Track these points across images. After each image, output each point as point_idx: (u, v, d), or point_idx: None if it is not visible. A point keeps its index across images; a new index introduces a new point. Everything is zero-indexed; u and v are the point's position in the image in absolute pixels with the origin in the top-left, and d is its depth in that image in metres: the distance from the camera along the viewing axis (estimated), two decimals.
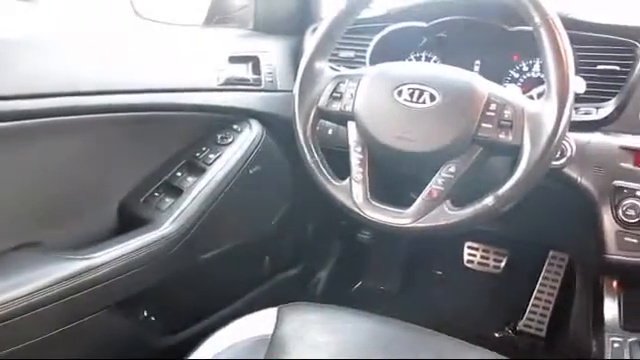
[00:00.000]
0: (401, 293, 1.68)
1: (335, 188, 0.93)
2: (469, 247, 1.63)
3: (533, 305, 1.52)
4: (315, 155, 0.95)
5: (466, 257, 1.63)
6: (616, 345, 0.91)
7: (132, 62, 1.08)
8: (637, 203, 0.93)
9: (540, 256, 1.54)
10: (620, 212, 0.94)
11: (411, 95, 0.87)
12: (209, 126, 1.18)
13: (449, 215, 0.84)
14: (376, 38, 1.18)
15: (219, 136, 1.17)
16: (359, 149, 0.91)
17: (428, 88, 0.86)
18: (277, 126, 1.21)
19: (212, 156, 1.14)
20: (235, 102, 1.20)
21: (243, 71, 1.22)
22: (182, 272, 1.09)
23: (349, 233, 1.65)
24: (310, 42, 0.99)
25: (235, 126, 1.19)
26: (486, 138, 0.83)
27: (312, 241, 1.56)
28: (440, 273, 1.70)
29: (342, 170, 0.94)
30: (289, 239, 1.46)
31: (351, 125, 0.93)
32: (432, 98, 0.86)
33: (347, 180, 0.92)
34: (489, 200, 0.82)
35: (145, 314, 1.10)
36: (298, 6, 1.32)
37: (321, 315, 0.94)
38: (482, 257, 1.61)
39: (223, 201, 1.12)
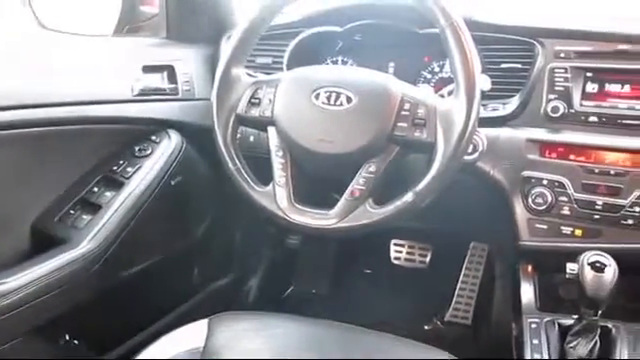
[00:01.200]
0: (332, 294, 1.70)
1: (259, 194, 0.93)
2: (395, 244, 1.68)
3: (458, 296, 1.59)
4: (237, 162, 0.95)
5: (393, 254, 1.68)
6: (533, 326, 0.96)
7: (40, 75, 1.03)
8: (544, 191, 0.99)
9: (462, 248, 1.61)
10: (530, 201, 1.00)
11: (328, 98, 0.89)
12: (126, 138, 1.15)
13: (371, 213, 0.86)
14: (292, 43, 1.19)
15: (137, 148, 1.14)
16: (280, 153, 0.92)
17: (344, 91, 0.88)
18: (197, 135, 1.19)
19: (130, 169, 1.11)
20: (152, 113, 1.17)
21: (158, 81, 1.20)
22: (105, 291, 1.05)
23: (278, 239, 1.66)
24: (225, 49, 0.98)
25: (153, 137, 1.17)
26: (402, 137, 0.86)
27: (241, 249, 1.55)
28: (369, 271, 1.73)
29: (266, 176, 0.94)
30: (217, 249, 1.44)
31: (271, 130, 0.94)
32: (349, 100, 0.88)
33: (270, 185, 0.93)
34: (408, 197, 0.84)
35: (67, 338, 1.05)
36: (212, 14, 1.31)
37: (252, 323, 0.93)
38: (408, 253, 1.67)
39: (144, 215, 1.09)
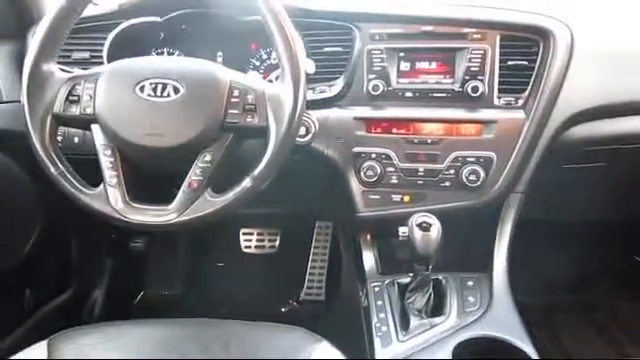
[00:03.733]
0: (186, 293, 1.66)
1: (89, 197, 0.87)
2: (244, 233, 1.69)
3: (310, 274, 1.65)
4: (60, 166, 0.87)
5: (243, 243, 1.69)
6: (377, 289, 1.04)
7: None
8: (374, 164, 1.07)
9: (308, 228, 1.67)
10: (362, 174, 1.07)
11: (154, 90, 0.86)
12: None
13: (212, 203, 0.85)
14: (110, 36, 1.12)
15: None
16: (108, 152, 0.87)
17: (170, 81, 0.86)
18: (10, 142, 1.07)
19: None
20: None
21: None
22: None
23: (120, 243, 1.56)
24: (32, 44, 0.89)
25: None
26: (235, 124, 0.86)
27: (80, 260, 1.44)
28: (221, 264, 1.72)
29: (99, 177, 0.88)
30: (51, 263, 1.32)
31: (95, 128, 0.88)
32: (176, 91, 0.86)
33: (102, 186, 0.87)
34: (247, 182, 0.85)
35: None
36: (13, 7, 1.18)
37: (99, 335, 0.88)
38: (258, 240, 1.69)
39: None
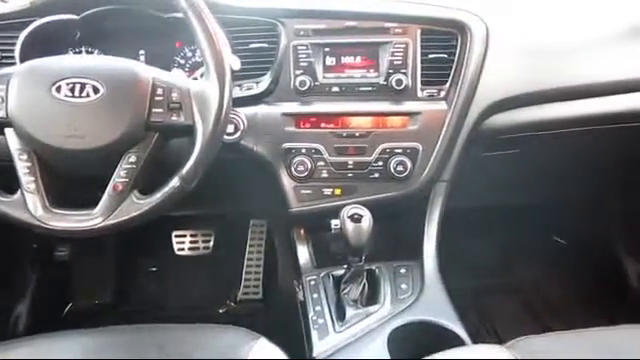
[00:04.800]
0: (119, 301, 1.61)
1: (5, 204, 0.83)
2: (177, 236, 1.66)
3: (246, 273, 1.64)
4: None
5: (176, 246, 1.65)
6: (312, 282, 1.05)
7: None
8: (304, 159, 1.08)
9: (243, 227, 1.66)
10: (293, 170, 1.08)
11: (72, 90, 0.82)
12: None
13: (139, 205, 0.83)
14: (23, 35, 1.06)
15: None
16: (25, 157, 0.83)
17: (89, 81, 0.83)
18: None
19: None
20: None
21: None
22: None
23: (44, 253, 1.49)
24: None
25: None
26: (159, 122, 0.84)
27: (0, 273, 1.36)
28: (154, 269, 1.68)
29: (16, 184, 0.84)
30: None
31: (9, 132, 0.83)
32: (95, 91, 0.83)
33: (19, 193, 0.83)
34: (175, 181, 0.84)
35: None
36: None
37: (26, 350, 0.84)
38: (191, 242, 1.66)
39: None
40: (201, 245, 1.66)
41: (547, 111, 1.12)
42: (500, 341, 0.80)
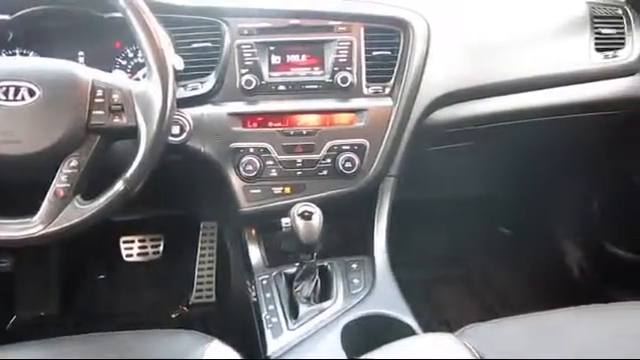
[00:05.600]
0: (65, 311, 1.55)
1: None
2: (125, 242, 1.62)
3: (199, 277, 1.62)
4: None
5: (124, 252, 1.61)
6: (264, 282, 1.04)
7: None
8: (253, 159, 1.07)
9: (193, 230, 1.63)
10: (241, 169, 1.07)
11: (5, 93, 0.79)
12: None
13: (82, 210, 0.81)
14: None
15: None
16: None
17: (24, 83, 0.79)
18: None
19: None
20: None
21: None
22: None
23: None
24: None
25: None
26: (100, 125, 0.82)
27: None
28: (103, 277, 1.63)
29: None
30: None
31: None
32: (31, 93, 0.79)
33: None
34: (119, 185, 0.82)
35: None
36: None
37: None
38: (140, 247, 1.62)
39: None
40: (150, 250, 1.62)
41: (487, 105, 1.16)
42: (451, 330, 0.83)
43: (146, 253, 1.62)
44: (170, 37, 1.04)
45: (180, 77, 1.03)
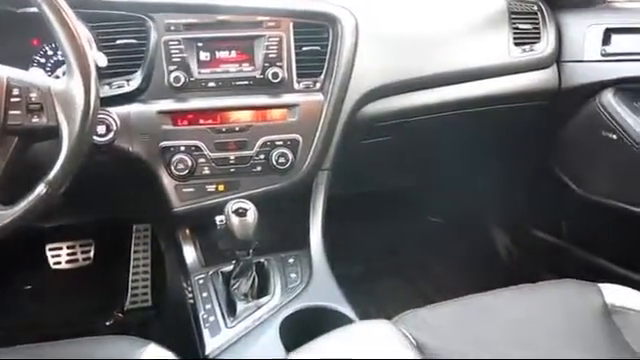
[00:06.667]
0: None
1: None
2: (51, 249, 1.54)
3: (133, 281, 1.57)
4: None
5: (51, 260, 1.54)
6: (201, 281, 1.03)
7: None
8: (184, 157, 1.05)
9: (125, 234, 1.58)
10: (173, 168, 1.05)
11: None
12: None
13: (1, 216, 0.77)
14: None
15: None
16: None
17: None
18: None
19: None
20: None
21: None
22: None
23: None
24: None
25: None
26: (18, 126, 0.78)
27: None
28: (29, 287, 1.55)
29: None
30: None
31: None
32: None
33: None
34: (40, 188, 0.78)
35: None
36: None
37: None
38: (69, 254, 1.56)
39: None
40: (80, 257, 1.56)
41: (415, 98, 1.19)
42: (389, 319, 0.85)
43: (76, 260, 1.55)
44: (92, 33, 1.00)
45: (105, 75, 1.00)
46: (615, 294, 0.89)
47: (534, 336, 0.82)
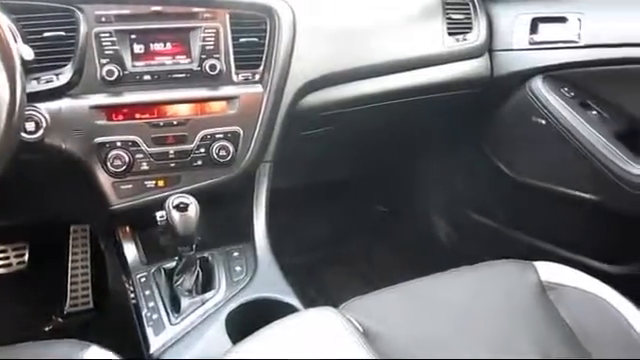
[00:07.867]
0: None
1: None
2: None
3: (72, 284, 1.52)
4: None
5: None
6: (143, 280, 1.01)
7: None
8: (121, 153, 1.02)
9: (62, 235, 1.52)
10: (109, 165, 1.02)
11: None
12: None
13: None
14: None
15: None
16: None
17: None
18: None
19: None
20: None
21: None
22: None
23: None
24: None
25: None
26: None
27: None
28: None
29: None
30: None
31: None
32: None
33: None
34: None
35: None
36: None
37: None
38: (1, 259, 1.48)
39: None
40: (14, 261, 1.49)
41: (354, 88, 1.21)
42: (335, 307, 0.86)
43: (9, 264, 1.48)
44: (17, 25, 0.95)
45: (32, 69, 0.95)
46: (549, 271, 0.93)
47: (475, 315, 0.85)
